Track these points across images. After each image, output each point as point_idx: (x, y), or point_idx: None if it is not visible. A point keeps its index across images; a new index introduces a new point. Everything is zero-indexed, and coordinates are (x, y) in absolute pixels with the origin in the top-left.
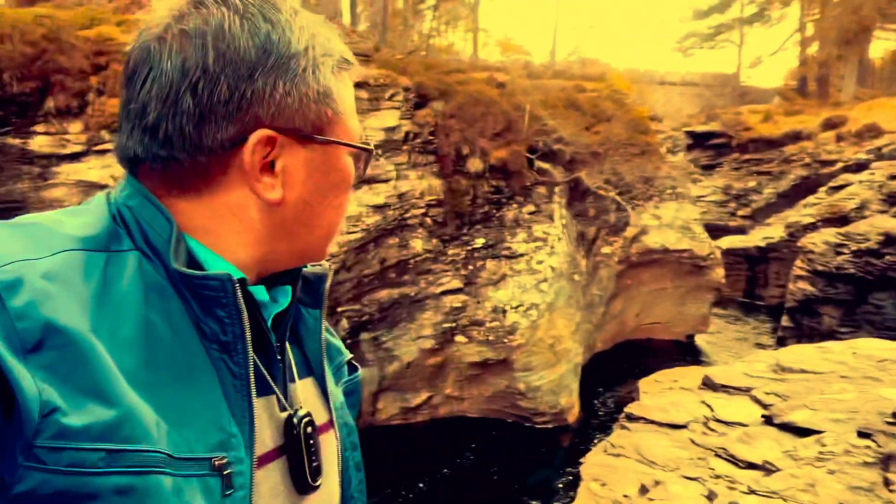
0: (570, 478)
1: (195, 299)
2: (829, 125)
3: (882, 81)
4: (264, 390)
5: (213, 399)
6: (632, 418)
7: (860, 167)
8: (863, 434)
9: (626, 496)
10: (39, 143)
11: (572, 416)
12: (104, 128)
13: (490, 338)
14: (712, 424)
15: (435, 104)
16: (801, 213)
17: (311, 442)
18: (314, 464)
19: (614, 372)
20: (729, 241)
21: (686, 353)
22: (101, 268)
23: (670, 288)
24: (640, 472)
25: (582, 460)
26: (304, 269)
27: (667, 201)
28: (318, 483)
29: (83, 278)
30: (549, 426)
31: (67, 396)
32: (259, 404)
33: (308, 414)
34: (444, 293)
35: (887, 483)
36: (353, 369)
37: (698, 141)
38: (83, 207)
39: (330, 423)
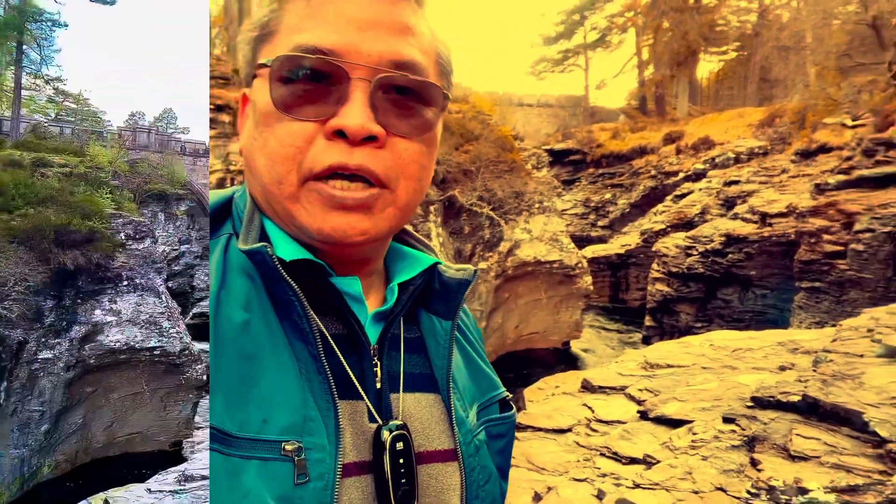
0: None
1: (266, 279)
2: (669, 139)
3: (709, 99)
4: (349, 393)
5: (290, 381)
6: (520, 428)
7: (699, 176)
8: (727, 419)
9: None
10: None
11: None
12: None
13: None
14: (594, 425)
15: None
16: (653, 220)
17: (401, 461)
18: (403, 488)
19: None
20: (592, 250)
21: (564, 359)
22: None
23: (544, 298)
24: (532, 479)
25: None
26: (446, 273)
27: (536, 215)
28: None
29: None
30: None
31: None
32: (342, 408)
33: (402, 426)
34: None
35: (754, 463)
36: (506, 408)
37: (557, 158)
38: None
39: (453, 454)
